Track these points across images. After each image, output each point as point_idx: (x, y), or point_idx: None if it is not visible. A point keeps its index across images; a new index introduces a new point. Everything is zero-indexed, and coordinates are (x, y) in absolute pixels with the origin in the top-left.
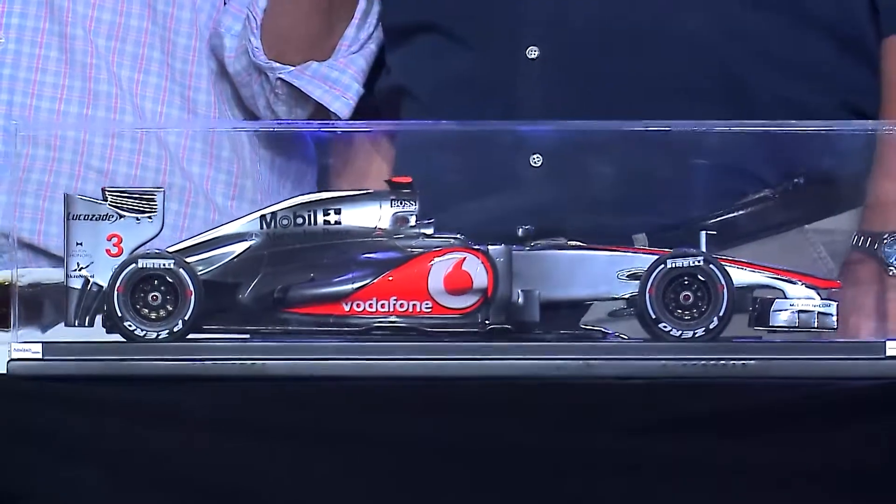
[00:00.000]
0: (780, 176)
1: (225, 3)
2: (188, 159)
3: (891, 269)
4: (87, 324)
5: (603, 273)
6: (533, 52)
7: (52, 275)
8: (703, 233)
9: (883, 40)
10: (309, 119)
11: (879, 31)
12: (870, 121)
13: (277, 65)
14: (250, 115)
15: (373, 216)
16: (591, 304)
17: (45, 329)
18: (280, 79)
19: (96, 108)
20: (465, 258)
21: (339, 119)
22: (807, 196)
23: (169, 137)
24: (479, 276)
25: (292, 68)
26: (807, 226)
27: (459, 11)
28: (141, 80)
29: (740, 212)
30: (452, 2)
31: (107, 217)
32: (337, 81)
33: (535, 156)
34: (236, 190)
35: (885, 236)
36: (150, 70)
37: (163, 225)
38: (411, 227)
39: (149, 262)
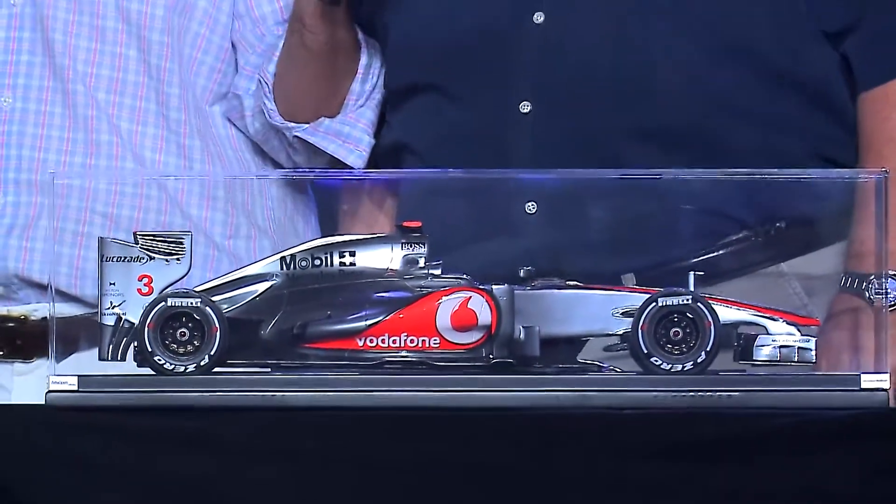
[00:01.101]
0: (757, 218)
1: (237, 69)
2: (187, 202)
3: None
4: (119, 358)
5: (598, 311)
6: (525, 107)
7: (63, 310)
8: (692, 273)
9: (858, 96)
10: (325, 168)
11: (852, 87)
12: (846, 169)
13: (292, 124)
14: (241, 156)
15: (385, 258)
16: (587, 340)
17: (59, 360)
18: (296, 136)
19: (98, 157)
20: (470, 297)
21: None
22: (783, 237)
23: (168, 182)
24: (484, 313)
25: (307, 126)
26: (782, 264)
27: (456, 72)
28: (139, 130)
29: (721, 252)
30: (450, 63)
31: (138, 259)
32: (349, 136)
33: (530, 203)
34: (232, 229)
35: (872, 277)
36: (148, 121)
37: (190, 266)
38: (420, 268)
39: (177, 301)
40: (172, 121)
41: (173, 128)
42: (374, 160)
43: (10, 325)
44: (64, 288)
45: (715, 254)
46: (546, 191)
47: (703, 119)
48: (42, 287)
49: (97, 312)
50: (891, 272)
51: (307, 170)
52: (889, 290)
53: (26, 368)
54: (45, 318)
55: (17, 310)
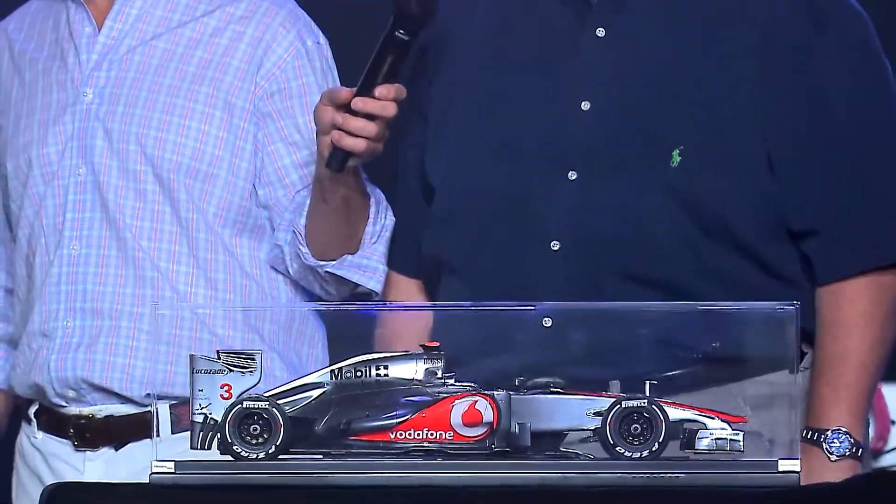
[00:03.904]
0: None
1: (273, 230)
2: (213, 324)
3: (832, 457)
4: (206, 447)
5: (576, 411)
6: (555, 245)
7: (120, 409)
8: (647, 382)
9: (816, 288)
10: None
11: (811, 275)
12: (763, 302)
13: (322, 262)
14: (260, 281)
15: (411, 370)
16: (567, 433)
17: (118, 447)
18: (327, 271)
19: (144, 288)
20: (477, 400)
21: (375, 292)
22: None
23: (198, 309)
24: (487, 413)
25: (334, 262)
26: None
27: (498, 212)
28: (174, 269)
29: (681, 371)
30: (493, 205)
31: (220, 371)
32: (367, 267)
33: (546, 318)
34: (248, 344)
35: (828, 431)
36: (181, 261)
37: (261, 376)
38: (438, 378)
39: (251, 404)
40: (201, 259)
41: (202, 265)
42: (420, 270)
43: (82, 421)
44: (117, 390)
45: (677, 372)
46: (560, 313)
47: (688, 276)
48: (103, 389)
49: (148, 411)
50: (842, 428)
51: (343, 303)
52: (836, 440)
53: (94, 455)
54: (107, 416)
55: (86, 410)
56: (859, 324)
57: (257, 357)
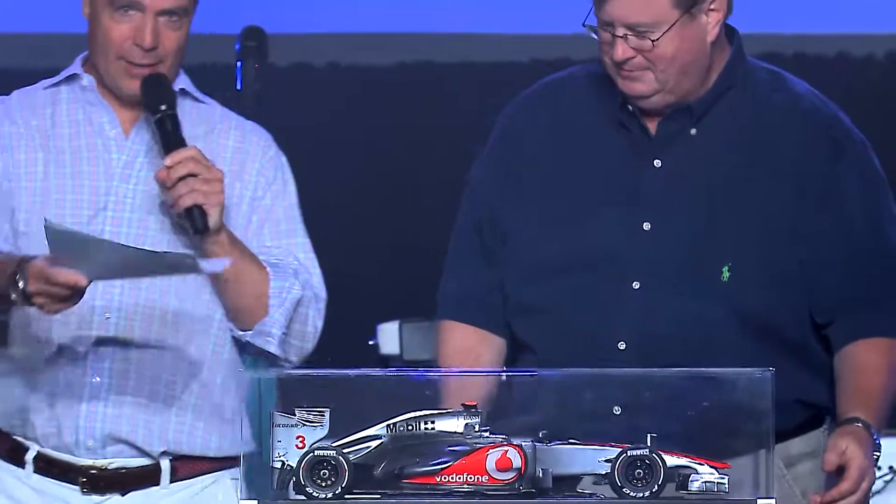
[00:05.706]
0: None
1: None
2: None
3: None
4: (282, 488)
5: (590, 459)
6: (622, 345)
7: (140, 462)
8: (649, 435)
9: (836, 354)
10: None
11: (830, 354)
12: (740, 369)
13: (241, 332)
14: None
15: (453, 425)
16: (582, 477)
17: (124, 493)
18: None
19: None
20: (508, 450)
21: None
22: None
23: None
24: (516, 460)
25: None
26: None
27: (573, 310)
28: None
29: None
30: (568, 304)
31: (295, 425)
32: (267, 332)
33: (616, 407)
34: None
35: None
36: (194, 341)
37: (329, 430)
38: (476, 431)
39: (321, 452)
40: (213, 337)
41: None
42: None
43: (94, 472)
44: (140, 445)
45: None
46: (629, 394)
47: (716, 356)
48: (125, 443)
49: (153, 463)
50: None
51: (402, 370)
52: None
53: (100, 499)
54: (119, 467)
55: (99, 462)
56: (881, 368)
57: (326, 414)
